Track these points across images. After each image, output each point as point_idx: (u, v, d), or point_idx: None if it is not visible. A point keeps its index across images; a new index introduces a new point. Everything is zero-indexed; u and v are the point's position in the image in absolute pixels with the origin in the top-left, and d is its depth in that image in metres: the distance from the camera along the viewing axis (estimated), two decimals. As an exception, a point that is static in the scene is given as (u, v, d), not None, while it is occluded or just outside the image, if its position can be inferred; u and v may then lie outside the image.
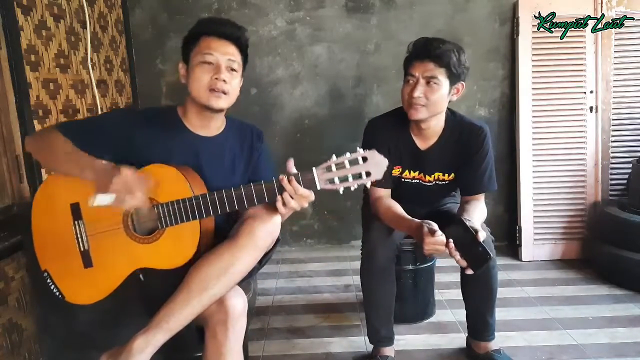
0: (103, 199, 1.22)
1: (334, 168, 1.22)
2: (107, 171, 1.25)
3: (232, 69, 1.39)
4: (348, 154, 1.23)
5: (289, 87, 3.12)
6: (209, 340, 1.26)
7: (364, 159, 1.21)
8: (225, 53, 1.37)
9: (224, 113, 1.49)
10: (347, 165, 1.22)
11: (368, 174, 1.22)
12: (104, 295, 1.35)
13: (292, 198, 1.26)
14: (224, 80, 1.36)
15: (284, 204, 1.26)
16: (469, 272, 1.50)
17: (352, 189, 1.25)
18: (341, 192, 1.25)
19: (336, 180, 1.23)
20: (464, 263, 1.50)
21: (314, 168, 1.24)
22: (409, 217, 1.66)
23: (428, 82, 1.63)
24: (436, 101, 1.65)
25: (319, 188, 1.24)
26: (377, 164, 1.22)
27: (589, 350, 1.93)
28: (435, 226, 1.54)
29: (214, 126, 1.48)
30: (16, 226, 1.69)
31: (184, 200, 1.28)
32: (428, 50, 1.61)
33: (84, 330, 1.40)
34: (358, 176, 1.22)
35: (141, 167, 1.33)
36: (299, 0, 3.03)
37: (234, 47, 1.40)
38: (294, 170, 1.27)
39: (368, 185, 1.26)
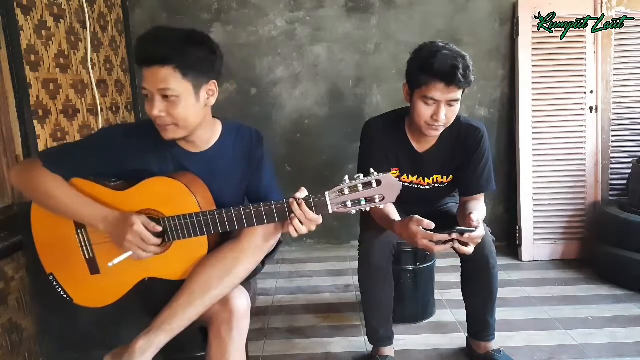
0: (120, 258, 1.27)
1: (347, 191, 1.18)
2: (118, 224, 1.25)
3: (169, 96, 1.22)
4: (361, 177, 1.18)
5: (289, 87, 3.12)
6: (212, 339, 1.27)
7: (378, 182, 1.17)
8: (155, 83, 1.22)
9: (207, 126, 1.37)
10: (361, 188, 1.18)
11: (382, 197, 1.18)
12: (112, 300, 1.35)
13: (302, 223, 1.22)
14: (160, 115, 1.24)
15: (295, 229, 1.23)
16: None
17: (364, 211, 1.22)
18: (352, 213, 1.23)
19: (349, 203, 1.19)
20: (467, 250, 1.51)
21: (326, 193, 1.20)
22: (393, 217, 1.65)
23: (450, 104, 1.59)
24: (454, 117, 1.65)
25: (330, 212, 1.21)
26: (391, 187, 1.18)
27: (589, 350, 1.93)
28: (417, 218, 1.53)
29: (201, 141, 1.38)
30: (16, 226, 1.69)
31: (190, 216, 1.26)
32: (455, 76, 1.51)
33: (84, 330, 1.40)
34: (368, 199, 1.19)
35: (137, 182, 1.31)
36: (299, 0, 3.02)
37: (165, 68, 1.21)
38: (304, 194, 1.23)
39: (381, 207, 1.22)
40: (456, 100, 1.60)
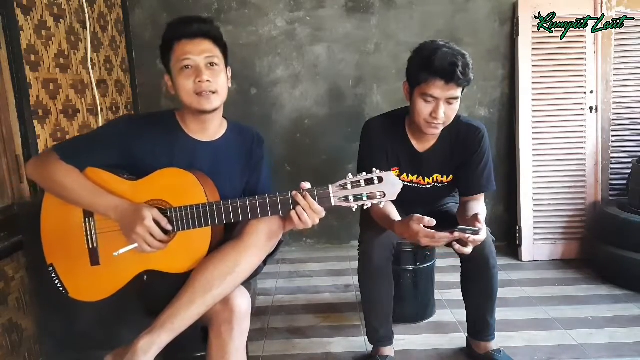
0: (125, 249, 1.29)
1: (349, 186, 1.24)
2: (129, 214, 1.28)
3: (213, 64, 1.36)
4: (364, 174, 1.24)
5: (289, 87, 3.12)
6: (213, 339, 1.27)
7: (380, 179, 1.23)
8: (201, 52, 1.35)
9: (220, 114, 1.47)
10: (363, 184, 1.23)
11: (383, 194, 1.23)
12: (108, 294, 1.35)
13: (305, 213, 1.26)
14: (208, 80, 1.34)
15: (299, 218, 1.26)
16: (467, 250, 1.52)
17: (365, 207, 1.26)
18: (354, 210, 1.26)
19: (351, 198, 1.24)
20: (467, 251, 1.51)
21: (329, 185, 1.25)
22: (393, 217, 1.66)
23: (449, 102, 1.60)
24: (453, 116, 1.65)
25: (333, 204, 1.25)
26: (392, 184, 1.23)
27: (589, 350, 1.93)
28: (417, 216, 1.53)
29: (212, 129, 1.46)
30: (16, 226, 1.70)
31: (197, 206, 1.29)
32: (455, 74, 1.52)
33: (83, 329, 1.40)
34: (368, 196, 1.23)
35: (146, 173, 1.34)
36: (299, 0, 3.02)
37: (208, 41, 1.37)
38: (308, 186, 1.27)
39: (381, 205, 1.26)
40: (455, 99, 1.59)
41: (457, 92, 1.58)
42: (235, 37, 3.03)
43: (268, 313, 2.35)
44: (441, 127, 1.66)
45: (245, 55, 3.06)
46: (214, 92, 1.36)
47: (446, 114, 1.61)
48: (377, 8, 3.03)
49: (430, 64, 1.54)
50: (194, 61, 1.34)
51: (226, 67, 1.43)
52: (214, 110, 1.39)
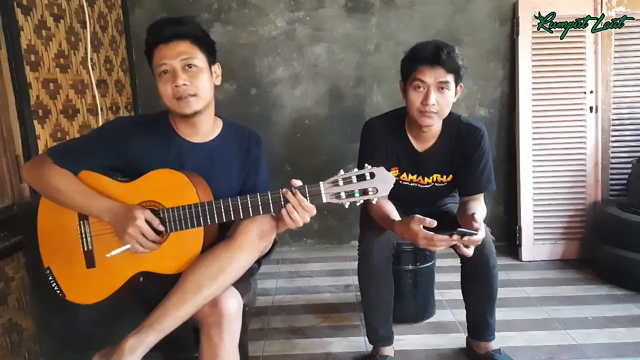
0: (118, 250, 1.29)
1: (341, 182, 1.23)
2: (122, 215, 1.28)
3: (191, 66, 1.33)
4: (356, 170, 1.23)
5: (289, 87, 3.12)
6: (203, 342, 1.26)
7: (372, 175, 1.22)
8: (176, 55, 1.32)
9: (211, 114, 1.45)
10: (355, 180, 1.22)
11: (375, 190, 1.22)
12: (104, 296, 1.35)
13: (295, 210, 1.24)
14: (185, 84, 1.31)
15: (289, 216, 1.25)
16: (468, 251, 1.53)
17: (358, 204, 1.25)
18: (346, 207, 1.25)
19: (342, 194, 1.23)
20: (468, 252, 1.52)
21: (320, 182, 1.24)
22: (393, 217, 1.66)
23: (440, 88, 1.61)
24: (447, 106, 1.65)
25: (324, 201, 1.24)
26: (384, 180, 1.22)
27: (589, 350, 1.93)
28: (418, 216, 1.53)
29: (204, 130, 1.44)
30: (16, 226, 1.70)
31: (189, 207, 1.28)
32: (439, 56, 1.57)
33: (80, 330, 1.40)
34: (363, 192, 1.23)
35: (139, 175, 1.34)
36: (299, 0, 3.02)
37: (185, 43, 1.33)
38: (299, 183, 1.26)
39: (374, 202, 1.26)
40: (445, 83, 1.60)
41: (447, 77, 1.60)
42: (235, 37, 3.03)
43: (268, 313, 2.35)
44: (436, 118, 1.66)
45: (245, 55, 3.06)
46: (193, 95, 1.33)
47: (438, 101, 1.61)
48: (377, 8, 3.03)
49: (416, 53, 1.63)
50: (170, 65, 1.32)
51: (211, 65, 1.40)
52: (196, 113, 1.36)
